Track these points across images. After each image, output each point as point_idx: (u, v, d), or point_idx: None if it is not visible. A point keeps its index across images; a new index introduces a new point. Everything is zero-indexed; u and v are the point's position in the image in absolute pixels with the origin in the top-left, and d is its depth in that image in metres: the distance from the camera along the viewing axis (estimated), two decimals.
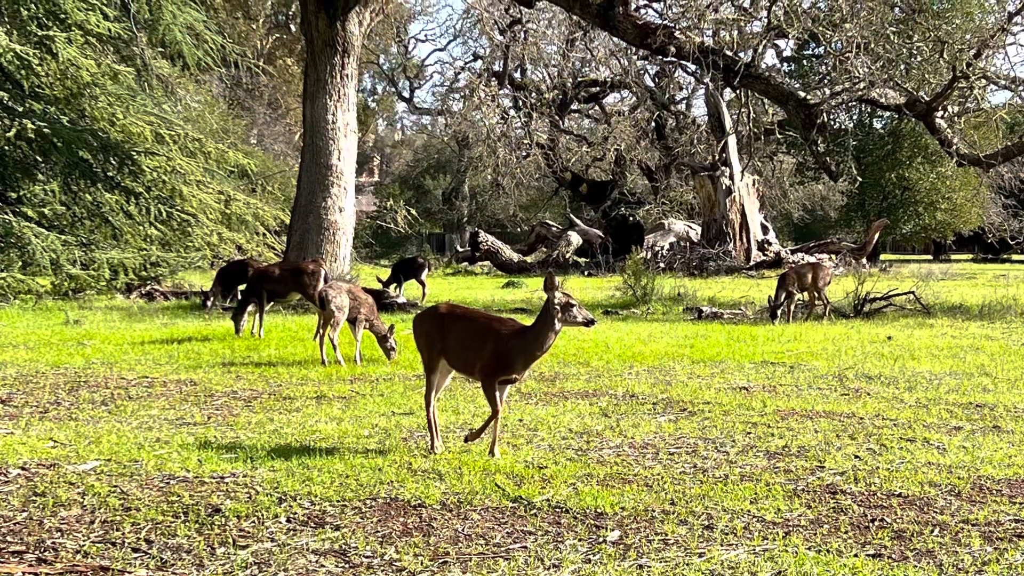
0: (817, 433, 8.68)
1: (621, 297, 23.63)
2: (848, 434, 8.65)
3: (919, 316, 20.36)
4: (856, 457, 7.79)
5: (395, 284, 25.32)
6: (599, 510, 6.37)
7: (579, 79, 48.08)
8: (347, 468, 7.28)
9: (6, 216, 22.50)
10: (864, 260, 41.63)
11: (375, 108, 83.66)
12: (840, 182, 40.17)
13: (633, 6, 23.83)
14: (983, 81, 24.71)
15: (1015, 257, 64.55)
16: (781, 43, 42.87)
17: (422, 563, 5.45)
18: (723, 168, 40.25)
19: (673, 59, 26.82)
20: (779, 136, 35.63)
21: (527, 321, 7.88)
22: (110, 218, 25.58)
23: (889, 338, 16.35)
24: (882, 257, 56.70)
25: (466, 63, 52.66)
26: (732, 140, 38.85)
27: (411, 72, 68.44)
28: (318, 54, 23.54)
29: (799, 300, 20.28)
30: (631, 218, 46.05)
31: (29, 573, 5.28)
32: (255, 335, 16.36)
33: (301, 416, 9.44)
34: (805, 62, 54.52)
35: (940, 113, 24.21)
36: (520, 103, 46.69)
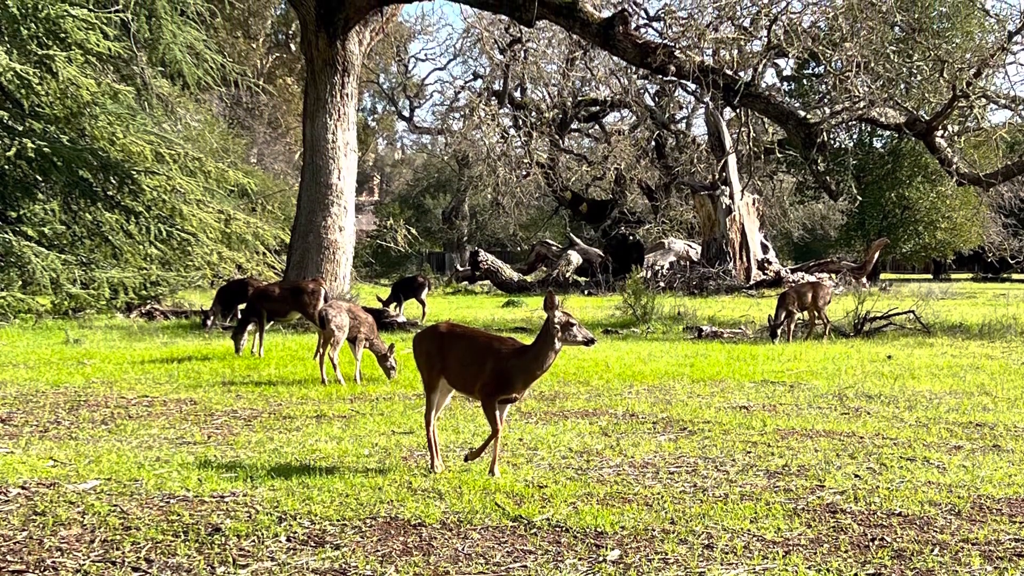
0: (817, 452, 8.67)
1: (621, 316, 23.65)
2: (848, 453, 8.64)
3: (919, 335, 20.36)
4: (856, 476, 7.79)
5: (395, 303, 25.34)
6: (599, 529, 6.36)
7: (579, 98, 48.16)
8: (347, 487, 7.28)
9: (6, 235, 22.49)
10: (864, 279, 41.70)
11: (375, 127, 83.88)
12: (840, 201, 40.18)
13: (633, 25, 23.85)
14: (983, 100, 24.73)
15: (1015, 276, 64.65)
16: (781, 62, 43.27)
17: None
18: (723, 187, 40.33)
19: (673, 78, 26.84)
20: (779, 155, 35.65)
21: (527, 340, 7.88)
22: (110, 237, 25.59)
23: (889, 357, 16.35)
24: (882, 276, 56.74)
25: (466, 82, 52.89)
26: (732, 159, 38.91)
27: (411, 91, 68.59)
28: (318, 73, 23.58)
29: (799, 319, 20.29)
30: (631, 237, 46.04)
31: None
32: (255, 354, 16.36)
33: (301, 435, 9.44)
34: (805, 81, 54.76)
35: (940, 132, 24.22)
36: (520, 122, 46.77)
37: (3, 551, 5.87)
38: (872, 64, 24.21)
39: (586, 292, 39.21)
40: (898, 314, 21.51)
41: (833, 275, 42.03)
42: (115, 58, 26.71)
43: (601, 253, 45.41)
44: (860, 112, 24.56)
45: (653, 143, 48.70)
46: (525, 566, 5.72)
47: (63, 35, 24.46)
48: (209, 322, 20.42)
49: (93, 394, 12.02)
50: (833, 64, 26.78)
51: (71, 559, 5.76)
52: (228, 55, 35.52)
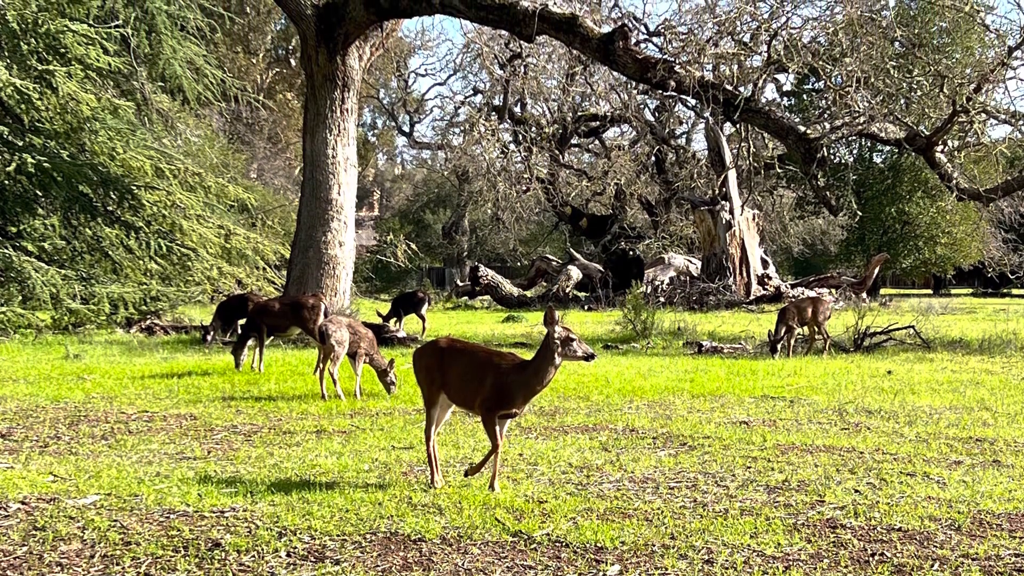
0: (817, 467, 8.66)
1: (621, 331, 23.63)
2: (848, 468, 8.63)
3: (919, 350, 20.35)
4: (856, 491, 7.78)
5: (395, 318, 25.32)
6: (599, 544, 6.35)
7: (579, 113, 48.10)
8: (347, 502, 7.27)
9: (6, 250, 22.51)
10: (864, 294, 41.69)
11: (375, 142, 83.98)
12: (840, 216, 40.24)
13: (633, 40, 23.85)
14: (983, 115, 24.70)
15: (1015, 291, 64.61)
16: (781, 77, 43.20)
17: None
18: (723, 202, 40.30)
19: (673, 93, 26.77)
20: (779, 170, 35.72)
21: (527, 355, 7.87)
22: (110, 252, 25.61)
23: (889, 372, 16.34)
24: (882, 291, 56.75)
25: (466, 97, 52.80)
26: (732, 174, 38.90)
27: (411, 106, 68.63)
28: (318, 88, 23.60)
29: (799, 334, 20.27)
30: (631, 252, 46.03)
31: None
32: (255, 369, 16.34)
33: (301, 450, 9.43)
34: (805, 96, 54.75)
35: (940, 147, 24.22)
36: (520, 137, 46.72)
37: (3, 566, 5.87)
38: (872, 79, 24.22)
39: (586, 307, 39.19)
40: (898, 329, 21.50)
41: (833, 290, 42.06)
42: (115, 73, 26.77)
43: (601, 268, 45.41)
44: (860, 127, 24.57)
45: (653, 158, 48.71)
46: None
47: (63, 50, 24.50)
48: (209, 337, 20.41)
49: (93, 409, 12.02)
50: (833, 79, 26.78)
51: (71, 574, 5.76)
52: (228, 70, 35.58)
